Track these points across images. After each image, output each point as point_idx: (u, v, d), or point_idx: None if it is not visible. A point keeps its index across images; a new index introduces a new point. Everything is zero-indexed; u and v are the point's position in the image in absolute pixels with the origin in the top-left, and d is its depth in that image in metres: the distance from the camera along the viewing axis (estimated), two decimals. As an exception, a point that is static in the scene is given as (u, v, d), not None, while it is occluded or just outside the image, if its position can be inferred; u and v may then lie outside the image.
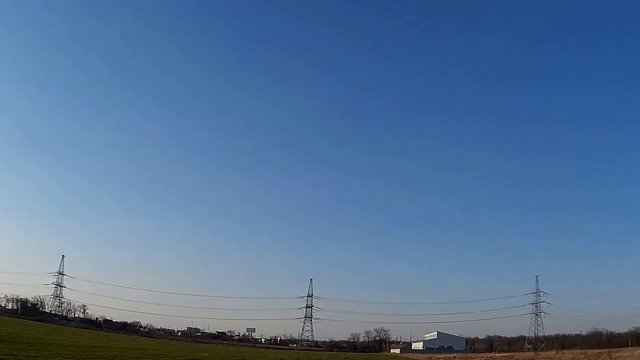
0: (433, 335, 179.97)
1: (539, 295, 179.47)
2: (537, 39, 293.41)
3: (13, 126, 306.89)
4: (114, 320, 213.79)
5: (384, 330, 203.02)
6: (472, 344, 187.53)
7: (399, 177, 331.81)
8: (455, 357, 72.25)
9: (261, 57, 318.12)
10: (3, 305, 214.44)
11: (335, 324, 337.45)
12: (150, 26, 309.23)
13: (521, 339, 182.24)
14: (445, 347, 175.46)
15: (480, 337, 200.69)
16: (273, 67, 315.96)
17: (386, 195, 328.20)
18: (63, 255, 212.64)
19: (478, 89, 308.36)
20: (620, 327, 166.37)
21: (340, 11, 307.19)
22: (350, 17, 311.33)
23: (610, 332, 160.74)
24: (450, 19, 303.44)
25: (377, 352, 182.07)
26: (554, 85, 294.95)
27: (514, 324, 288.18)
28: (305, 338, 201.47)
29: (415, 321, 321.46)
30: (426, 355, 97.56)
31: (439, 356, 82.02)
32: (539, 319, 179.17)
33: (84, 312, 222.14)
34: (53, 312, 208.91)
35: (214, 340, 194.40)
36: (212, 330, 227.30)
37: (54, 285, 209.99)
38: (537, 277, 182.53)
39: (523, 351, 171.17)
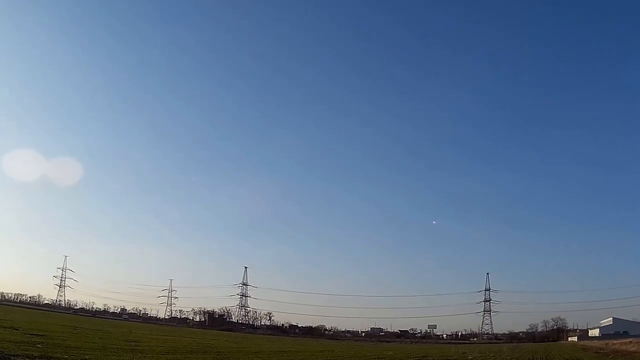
0: (608, 321, 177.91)
1: None
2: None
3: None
4: (299, 326, 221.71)
5: (560, 319, 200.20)
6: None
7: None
8: (630, 341, 76.13)
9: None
10: (191, 317, 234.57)
11: (513, 316, 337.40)
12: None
13: None
14: (621, 332, 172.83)
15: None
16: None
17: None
18: (246, 267, 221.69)
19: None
20: None
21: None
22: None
23: None
24: None
25: (555, 341, 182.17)
26: None
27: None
28: (485, 332, 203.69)
29: (592, 307, 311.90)
30: (602, 342, 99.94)
31: (614, 342, 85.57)
32: None
33: (269, 319, 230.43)
34: (239, 322, 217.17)
35: (397, 339, 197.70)
36: (395, 329, 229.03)
37: (239, 296, 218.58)
38: None
39: None
